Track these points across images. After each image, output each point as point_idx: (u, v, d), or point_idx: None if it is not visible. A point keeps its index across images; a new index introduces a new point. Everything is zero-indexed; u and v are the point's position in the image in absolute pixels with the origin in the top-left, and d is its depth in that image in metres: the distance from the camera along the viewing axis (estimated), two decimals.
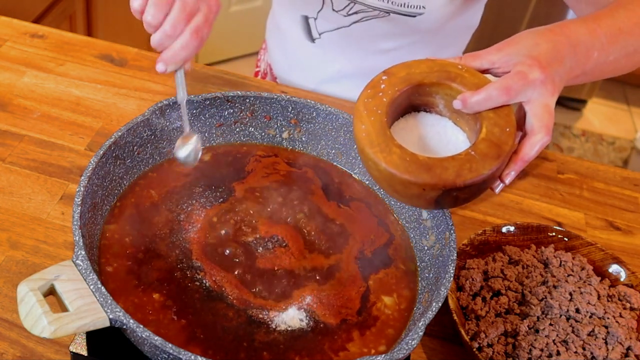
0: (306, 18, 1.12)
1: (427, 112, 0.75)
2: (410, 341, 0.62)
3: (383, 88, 0.71)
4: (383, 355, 0.59)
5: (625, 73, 0.83)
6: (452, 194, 0.66)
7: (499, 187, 0.71)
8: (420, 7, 1.01)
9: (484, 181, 0.66)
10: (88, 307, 0.59)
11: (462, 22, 1.12)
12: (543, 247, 0.87)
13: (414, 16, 1.02)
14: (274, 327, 0.69)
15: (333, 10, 1.07)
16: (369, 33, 1.09)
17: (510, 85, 0.68)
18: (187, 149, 0.76)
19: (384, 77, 0.72)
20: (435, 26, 1.06)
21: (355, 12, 1.06)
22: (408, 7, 1.01)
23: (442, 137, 0.74)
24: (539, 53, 0.70)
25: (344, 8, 1.06)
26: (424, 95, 0.73)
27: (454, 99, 0.71)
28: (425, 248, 0.78)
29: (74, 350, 0.68)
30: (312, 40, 1.14)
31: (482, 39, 1.21)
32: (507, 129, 0.68)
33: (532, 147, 0.68)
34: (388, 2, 1.01)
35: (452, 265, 0.69)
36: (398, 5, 1.01)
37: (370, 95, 0.71)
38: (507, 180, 0.69)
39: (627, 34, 0.77)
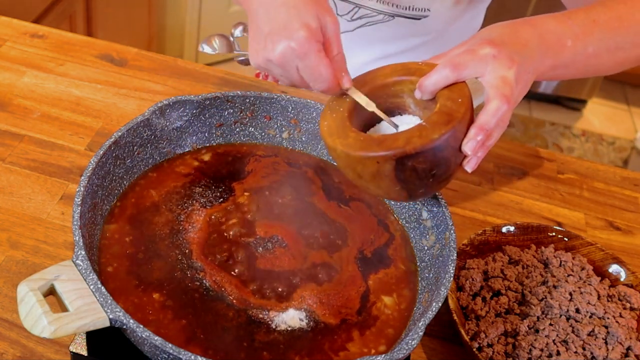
0: None
1: (401, 115, 0.76)
2: (410, 341, 0.62)
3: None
4: (383, 355, 0.59)
5: (614, 72, 0.83)
6: (408, 164, 0.66)
7: (470, 162, 0.68)
8: (425, 10, 1.01)
9: (436, 147, 0.65)
10: (88, 307, 0.59)
11: (466, 23, 1.12)
12: (543, 247, 0.87)
13: (419, 19, 1.02)
14: (274, 327, 0.69)
15: (337, 14, 1.07)
16: (373, 37, 1.09)
17: (457, 62, 0.69)
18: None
19: None
20: (439, 28, 1.06)
21: (360, 17, 1.06)
22: (413, 9, 1.01)
23: None
24: (492, 36, 0.71)
25: (348, 12, 1.06)
26: (393, 97, 0.75)
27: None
28: (425, 248, 0.78)
29: (74, 350, 0.68)
30: None
31: None
32: (459, 100, 0.68)
33: (488, 114, 0.67)
34: (393, 5, 1.01)
35: (452, 265, 0.69)
36: (403, 9, 1.01)
37: (334, 99, 0.75)
38: (469, 149, 0.67)
39: (604, 27, 0.77)
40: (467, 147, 0.67)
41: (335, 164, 0.88)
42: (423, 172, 0.67)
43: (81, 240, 0.63)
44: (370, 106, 0.73)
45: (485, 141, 0.67)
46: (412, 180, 0.68)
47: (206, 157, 0.85)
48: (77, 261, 0.62)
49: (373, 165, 0.67)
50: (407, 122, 0.75)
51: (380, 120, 0.75)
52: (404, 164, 0.66)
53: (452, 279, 0.68)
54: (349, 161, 0.69)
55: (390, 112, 0.76)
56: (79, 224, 0.65)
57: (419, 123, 0.68)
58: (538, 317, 0.78)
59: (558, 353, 0.74)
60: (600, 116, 3.16)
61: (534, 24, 0.74)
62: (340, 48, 0.74)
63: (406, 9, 1.01)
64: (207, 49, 0.85)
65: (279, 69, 0.73)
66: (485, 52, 0.68)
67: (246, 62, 0.92)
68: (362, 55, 1.12)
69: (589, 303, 0.79)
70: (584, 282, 0.82)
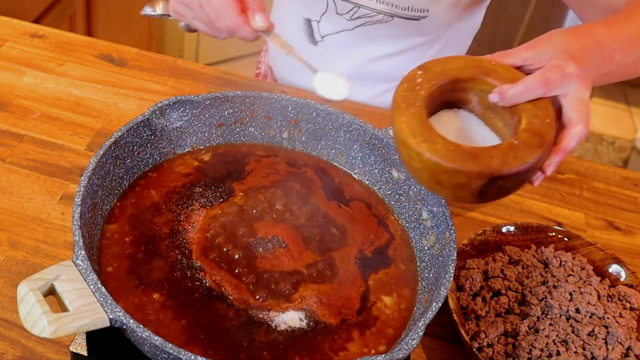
0: (309, 21, 1.12)
1: (458, 109, 0.74)
2: (410, 341, 0.62)
3: (419, 82, 0.70)
4: (383, 355, 0.59)
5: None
6: (498, 182, 0.65)
7: (538, 179, 0.69)
8: (424, 11, 1.01)
9: (528, 170, 0.65)
10: (88, 307, 0.59)
11: (465, 25, 1.12)
12: (543, 247, 0.87)
13: (418, 19, 1.02)
14: (274, 327, 0.69)
15: (337, 13, 1.07)
16: (372, 36, 1.09)
17: (548, 78, 0.68)
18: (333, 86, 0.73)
19: (419, 72, 0.71)
20: (438, 29, 1.06)
21: (359, 17, 1.06)
22: (412, 10, 1.01)
23: (475, 133, 0.74)
24: (571, 49, 0.70)
25: (348, 12, 1.06)
26: (458, 92, 0.73)
27: (489, 94, 0.70)
28: (425, 248, 0.78)
29: (74, 350, 0.68)
30: (315, 43, 1.14)
31: (482, 41, 1.21)
32: (547, 120, 0.67)
33: (572, 138, 0.68)
34: (392, 5, 1.01)
35: (452, 265, 0.69)
36: (402, 9, 1.01)
37: (407, 89, 0.70)
38: (549, 171, 0.68)
39: None
40: (549, 169, 0.68)
41: (335, 164, 0.88)
42: (506, 189, 0.67)
43: (81, 240, 0.63)
44: (287, 49, 0.70)
45: (561, 159, 0.69)
46: (492, 194, 0.67)
47: (206, 157, 0.85)
48: (77, 261, 0.62)
49: (462, 179, 0.65)
50: (463, 119, 0.73)
51: (440, 109, 0.73)
52: (495, 182, 0.65)
53: (452, 279, 0.68)
54: (435, 169, 0.66)
55: (448, 104, 0.74)
56: (79, 224, 0.65)
57: (509, 140, 0.66)
58: (538, 317, 0.78)
59: (558, 353, 0.74)
60: (600, 116, 3.16)
61: (594, 35, 0.74)
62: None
63: (405, 9, 1.01)
64: (148, 10, 0.87)
65: (187, 9, 0.72)
66: (571, 70, 0.68)
67: (187, 28, 0.91)
68: (361, 54, 1.13)
69: (589, 303, 0.79)
70: (584, 282, 0.82)
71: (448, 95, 0.73)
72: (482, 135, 0.73)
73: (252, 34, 0.71)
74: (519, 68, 0.72)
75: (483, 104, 0.72)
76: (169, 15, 0.88)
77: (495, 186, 0.66)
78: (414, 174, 0.69)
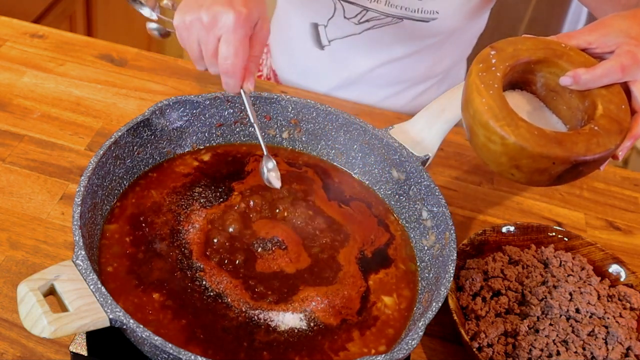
0: (315, 25, 1.11)
1: (521, 90, 0.74)
2: (410, 341, 0.62)
3: (494, 63, 0.69)
4: (383, 355, 0.60)
5: None
6: (579, 168, 0.65)
7: (605, 164, 0.69)
8: (433, 13, 1.01)
9: (607, 155, 0.66)
10: (88, 307, 0.59)
11: (471, 27, 1.12)
12: (543, 247, 0.87)
13: (427, 21, 1.02)
14: (274, 327, 0.69)
15: (344, 17, 1.07)
16: (380, 40, 1.09)
17: (625, 64, 0.68)
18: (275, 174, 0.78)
19: (492, 52, 0.70)
20: (447, 31, 1.06)
21: (367, 20, 1.06)
22: (422, 12, 1.01)
23: (540, 115, 0.73)
24: (637, 34, 0.70)
25: (356, 15, 1.06)
26: (526, 73, 0.72)
27: (559, 77, 0.70)
28: (425, 248, 0.78)
29: (74, 350, 0.68)
30: (321, 47, 1.14)
31: (482, 40, 1.21)
32: (622, 106, 0.68)
33: None
34: (402, 8, 1.01)
35: (452, 265, 0.69)
36: (412, 12, 1.01)
37: (483, 69, 0.69)
38: (621, 157, 0.68)
39: None
40: (621, 154, 0.68)
41: (335, 164, 0.88)
42: (582, 173, 0.67)
43: (81, 240, 0.63)
44: (254, 119, 0.75)
45: (631, 145, 0.69)
46: (568, 178, 0.67)
47: (206, 157, 0.85)
48: (77, 261, 0.62)
49: (546, 164, 0.65)
50: (529, 101, 0.72)
51: (504, 90, 0.71)
52: (577, 167, 0.65)
53: (452, 279, 0.68)
54: (519, 153, 0.64)
55: (513, 85, 0.73)
56: (79, 224, 0.65)
57: (589, 126, 0.66)
58: (538, 317, 0.78)
59: (558, 353, 0.74)
60: None
61: None
62: (260, 54, 0.75)
63: (415, 11, 1.01)
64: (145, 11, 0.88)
65: (202, 31, 0.72)
66: None
67: (162, 32, 0.91)
68: (368, 59, 1.12)
69: (589, 303, 0.79)
70: (584, 282, 0.82)
71: (516, 77, 0.72)
72: (547, 118, 0.73)
73: (236, 89, 0.75)
74: (583, 50, 0.72)
75: (548, 86, 0.72)
76: (153, 24, 0.89)
77: (575, 171, 0.66)
78: (488, 157, 0.68)
